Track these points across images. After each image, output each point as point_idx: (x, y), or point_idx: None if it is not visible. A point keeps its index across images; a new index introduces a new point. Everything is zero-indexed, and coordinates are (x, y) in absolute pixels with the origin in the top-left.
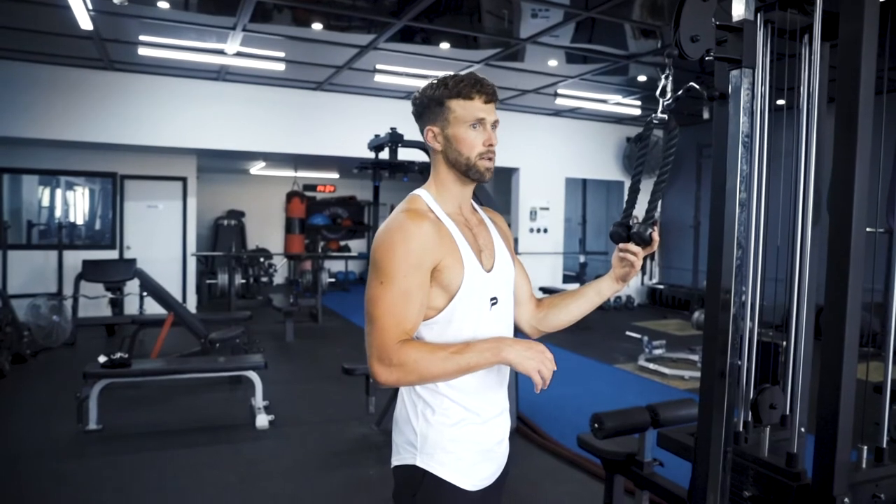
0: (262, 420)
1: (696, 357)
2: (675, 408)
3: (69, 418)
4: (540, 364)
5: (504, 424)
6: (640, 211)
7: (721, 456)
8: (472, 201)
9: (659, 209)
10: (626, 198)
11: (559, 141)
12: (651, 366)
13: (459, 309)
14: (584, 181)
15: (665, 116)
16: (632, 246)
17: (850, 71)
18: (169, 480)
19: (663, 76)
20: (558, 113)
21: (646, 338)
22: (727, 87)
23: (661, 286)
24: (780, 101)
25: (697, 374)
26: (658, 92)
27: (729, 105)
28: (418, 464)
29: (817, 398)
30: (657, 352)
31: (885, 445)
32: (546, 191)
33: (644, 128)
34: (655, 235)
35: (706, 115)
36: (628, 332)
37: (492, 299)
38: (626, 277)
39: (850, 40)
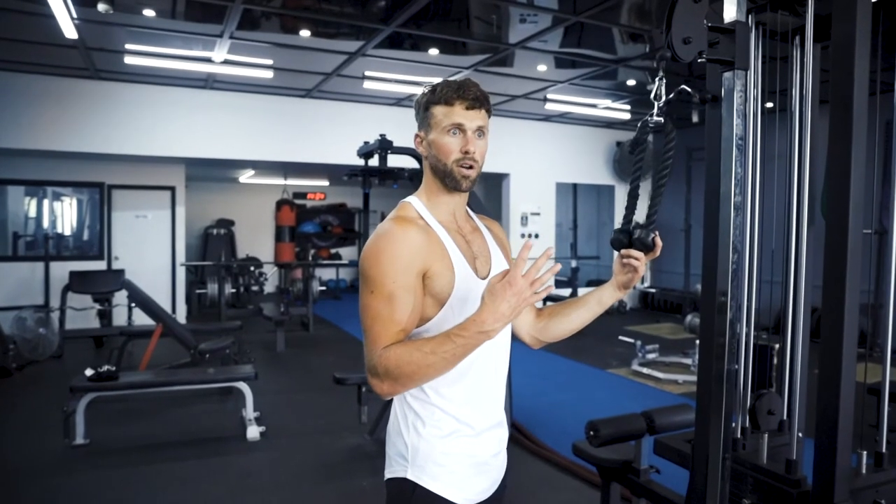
0: (253, 432)
1: (689, 361)
2: (671, 414)
3: (55, 433)
4: (520, 303)
5: (500, 437)
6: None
7: (719, 463)
8: (467, 208)
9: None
10: (625, 203)
11: (549, 146)
12: (645, 370)
13: (451, 317)
14: (575, 186)
15: (661, 119)
16: (634, 252)
17: (843, 72)
18: (158, 495)
19: (657, 79)
20: (548, 118)
21: (639, 342)
22: (720, 89)
23: (653, 290)
24: (769, 105)
25: (691, 377)
26: (652, 95)
27: (722, 107)
28: (409, 477)
29: (817, 402)
30: (650, 356)
31: (884, 450)
32: (537, 196)
33: (639, 131)
34: (658, 240)
35: (696, 119)
36: (621, 337)
37: None
38: (629, 284)
39: (843, 41)
